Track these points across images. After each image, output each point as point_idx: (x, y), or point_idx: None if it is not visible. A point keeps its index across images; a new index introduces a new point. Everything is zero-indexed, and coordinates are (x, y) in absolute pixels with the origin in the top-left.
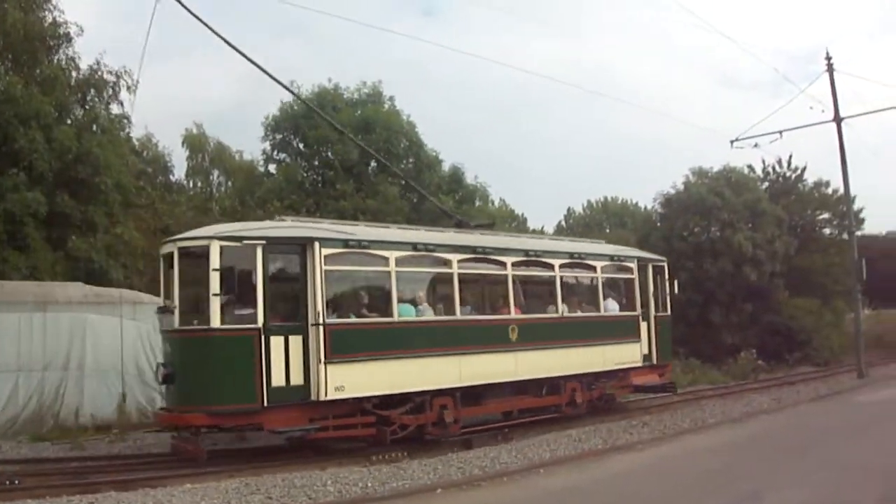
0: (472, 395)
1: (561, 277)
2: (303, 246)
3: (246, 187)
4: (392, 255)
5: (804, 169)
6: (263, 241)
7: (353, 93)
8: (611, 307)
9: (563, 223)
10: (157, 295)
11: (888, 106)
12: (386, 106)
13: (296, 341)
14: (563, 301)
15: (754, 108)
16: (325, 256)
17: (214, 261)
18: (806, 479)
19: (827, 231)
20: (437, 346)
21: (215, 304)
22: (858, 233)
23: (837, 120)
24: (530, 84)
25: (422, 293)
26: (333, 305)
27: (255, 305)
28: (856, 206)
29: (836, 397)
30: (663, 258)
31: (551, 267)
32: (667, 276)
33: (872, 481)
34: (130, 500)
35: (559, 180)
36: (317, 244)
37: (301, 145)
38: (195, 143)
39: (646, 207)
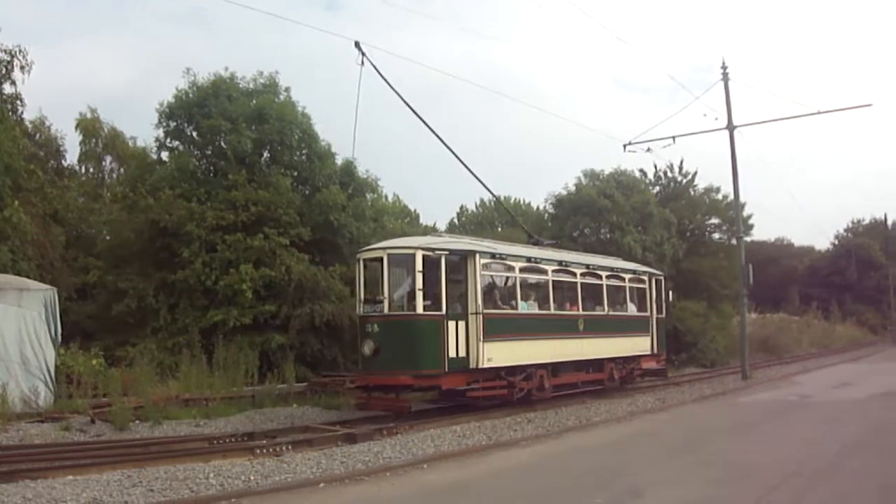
0: (554, 369)
1: (606, 285)
2: (466, 257)
3: (138, 174)
4: (517, 264)
5: (695, 174)
6: (446, 252)
7: (250, 82)
8: (632, 309)
9: (456, 220)
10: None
11: (780, 117)
12: (282, 97)
13: (462, 325)
14: (607, 303)
15: (651, 113)
16: (482, 264)
17: (419, 265)
18: (687, 477)
19: (716, 236)
20: (541, 332)
21: (419, 297)
22: (747, 238)
23: (730, 128)
24: (432, 81)
25: (531, 293)
26: (484, 300)
27: (439, 299)
28: (745, 213)
29: (720, 398)
30: (662, 273)
31: (600, 277)
32: (664, 287)
33: (752, 479)
34: (10, 492)
35: (454, 177)
36: (477, 255)
37: (194, 134)
38: (89, 127)
39: (538, 207)
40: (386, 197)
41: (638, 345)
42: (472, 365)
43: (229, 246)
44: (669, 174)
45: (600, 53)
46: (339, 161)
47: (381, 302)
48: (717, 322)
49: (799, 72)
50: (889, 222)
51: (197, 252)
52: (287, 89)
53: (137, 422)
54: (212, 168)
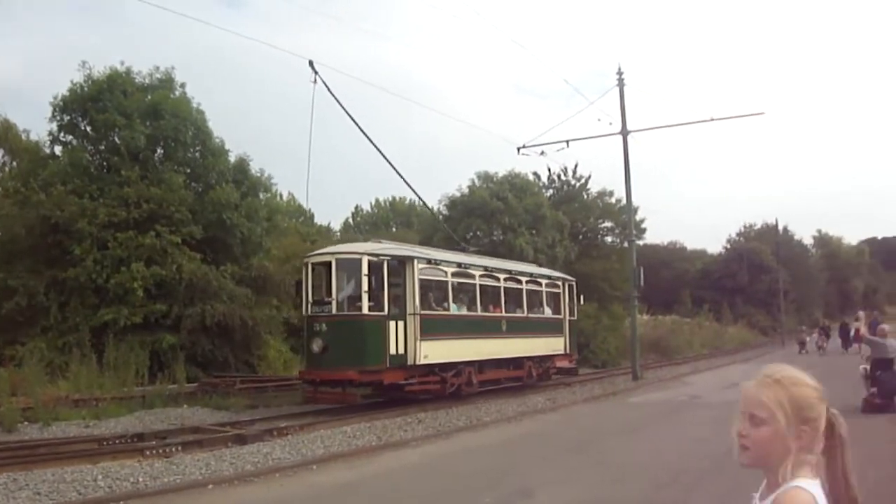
0: (481, 366)
1: (526, 290)
2: (405, 262)
3: (30, 169)
4: (449, 269)
5: (589, 178)
6: (388, 257)
7: (146, 77)
8: (548, 312)
9: (351, 220)
10: None
11: (673, 123)
12: (177, 93)
13: (402, 325)
14: (526, 306)
15: (547, 117)
16: (419, 269)
17: (365, 269)
18: (577, 476)
19: (609, 239)
20: (470, 332)
21: (365, 299)
22: (640, 242)
23: (624, 133)
24: (333, 81)
25: (461, 296)
26: (420, 302)
27: (381, 300)
28: (638, 217)
29: (611, 398)
30: (573, 278)
31: (521, 282)
32: (575, 292)
33: (640, 478)
34: None
35: (351, 177)
36: (415, 261)
37: (88, 128)
38: None
39: (432, 209)
40: (280, 195)
41: (553, 345)
42: (410, 362)
43: (121, 244)
44: (563, 177)
45: (499, 57)
46: (232, 158)
47: (330, 303)
48: (609, 323)
49: (695, 81)
50: (780, 227)
51: (88, 249)
52: (182, 85)
53: (26, 423)
54: (105, 164)
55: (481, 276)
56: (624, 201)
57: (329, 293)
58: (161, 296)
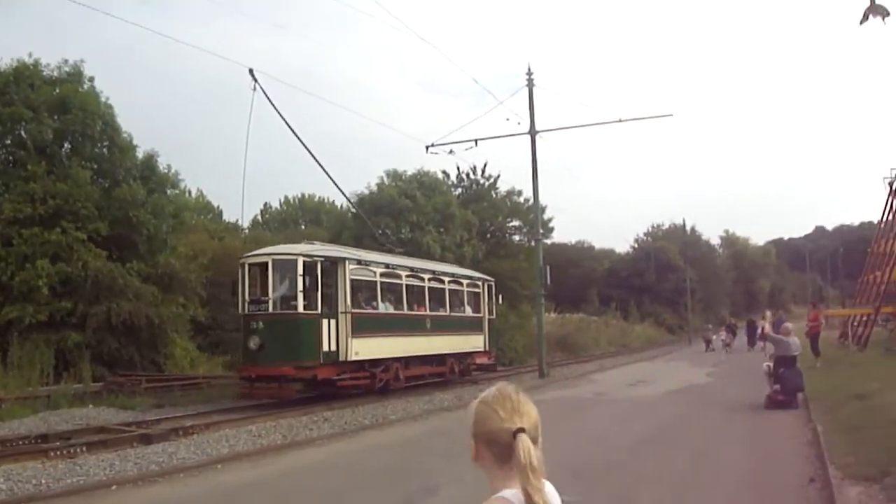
0: (407, 362)
1: (448, 289)
2: (337, 262)
3: None
4: (378, 269)
5: (497, 177)
6: (322, 258)
7: (54, 70)
8: (468, 311)
9: (260, 218)
10: None
11: (581, 123)
12: (86, 86)
13: (334, 323)
14: (448, 305)
15: (457, 116)
16: (350, 269)
17: (300, 269)
18: (480, 473)
19: (517, 238)
20: (397, 330)
21: (300, 298)
22: (547, 241)
23: (532, 133)
24: (238, 76)
25: (389, 295)
26: (352, 301)
27: (314, 299)
28: (546, 216)
29: None
30: (492, 279)
31: (443, 282)
32: (494, 292)
33: (545, 475)
34: None
35: (259, 174)
36: (346, 261)
37: None
38: None
39: (341, 206)
40: (189, 192)
41: (473, 342)
42: (342, 358)
43: (26, 240)
44: (472, 176)
45: (409, 56)
46: (140, 154)
47: (266, 302)
48: (517, 322)
49: (604, 83)
50: (687, 227)
51: None
52: (91, 79)
53: None
54: (11, 158)
55: (407, 276)
56: (532, 201)
57: (265, 292)
58: (66, 293)
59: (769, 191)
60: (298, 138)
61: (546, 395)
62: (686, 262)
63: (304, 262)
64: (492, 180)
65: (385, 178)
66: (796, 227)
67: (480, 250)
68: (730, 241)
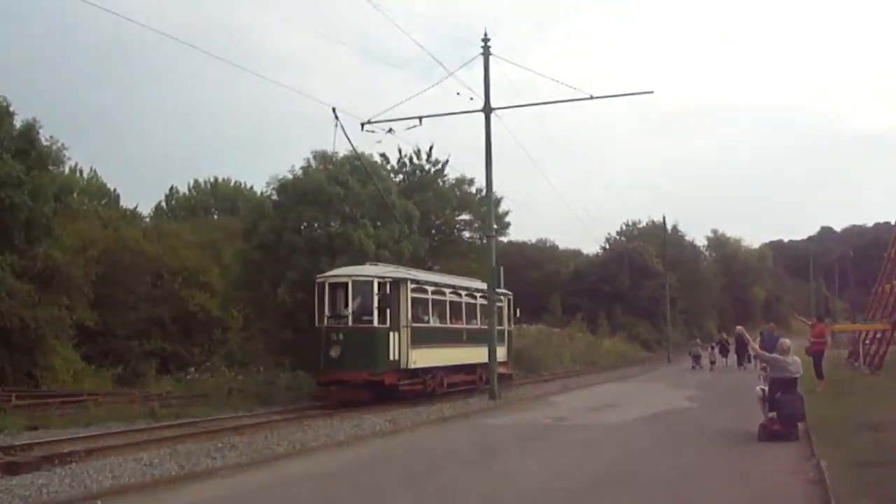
0: (446, 370)
1: (479, 304)
2: (399, 283)
3: None
4: (429, 288)
5: (446, 163)
6: (390, 280)
7: None
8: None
9: (165, 204)
10: None
11: (545, 101)
12: None
13: (396, 335)
14: (480, 318)
15: (400, 90)
16: (410, 288)
17: (376, 290)
18: None
19: (467, 234)
20: (443, 341)
21: (376, 313)
22: (503, 238)
23: (487, 110)
24: (141, 41)
25: (436, 310)
26: (412, 315)
27: (385, 314)
28: (501, 209)
29: (464, 420)
30: (510, 292)
31: (475, 297)
32: (512, 305)
33: None
34: None
35: (164, 154)
36: (408, 282)
37: None
38: None
39: (260, 192)
40: (81, 171)
41: (500, 353)
42: (403, 366)
43: None
44: (416, 161)
45: (344, 18)
46: (18, 123)
47: (346, 316)
48: None
49: (576, 56)
50: (668, 225)
51: None
52: None
53: None
54: None
55: (450, 293)
56: (485, 191)
57: (346, 308)
58: None
59: (766, 184)
60: None
61: (498, 420)
62: (666, 266)
63: (378, 282)
64: (439, 166)
65: (312, 161)
66: (798, 228)
67: (423, 247)
68: (718, 242)
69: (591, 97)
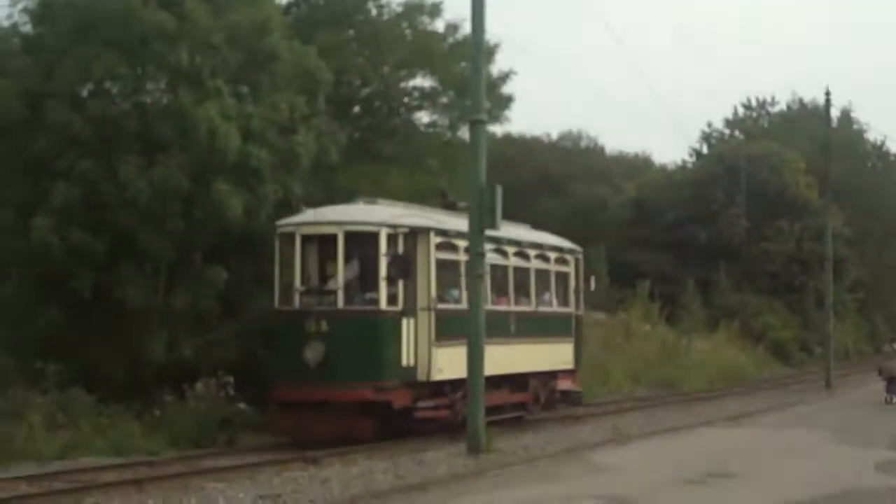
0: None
1: (534, 269)
2: (418, 235)
3: None
4: (461, 243)
5: None
6: (406, 230)
7: None
8: (554, 304)
9: None
10: None
11: None
12: None
13: (412, 324)
14: (534, 294)
15: None
16: (434, 244)
17: (383, 247)
18: None
19: (426, 118)
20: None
21: (382, 288)
22: (495, 127)
23: None
24: None
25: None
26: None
27: (397, 290)
28: (498, 69)
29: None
30: (579, 247)
31: (528, 258)
32: (582, 270)
33: None
34: None
35: None
36: (431, 233)
37: None
38: None
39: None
40: None
41: (560, 355)
42: (421, 377)
43: None
44: None
45: None
46: None
47: (333, 293)
48: None
49: None
50: (835, 113)
51: None
52: None
53: None
54: None
55: (491, 251)
56: (468, 30)
57: (335, 278)
58: None
59: None
60: None
61: (490, 495)
62: (827, 194)
63: (387, 233)
64: None
65: None
66: None
67: (336, 142)
68: None
69: None
